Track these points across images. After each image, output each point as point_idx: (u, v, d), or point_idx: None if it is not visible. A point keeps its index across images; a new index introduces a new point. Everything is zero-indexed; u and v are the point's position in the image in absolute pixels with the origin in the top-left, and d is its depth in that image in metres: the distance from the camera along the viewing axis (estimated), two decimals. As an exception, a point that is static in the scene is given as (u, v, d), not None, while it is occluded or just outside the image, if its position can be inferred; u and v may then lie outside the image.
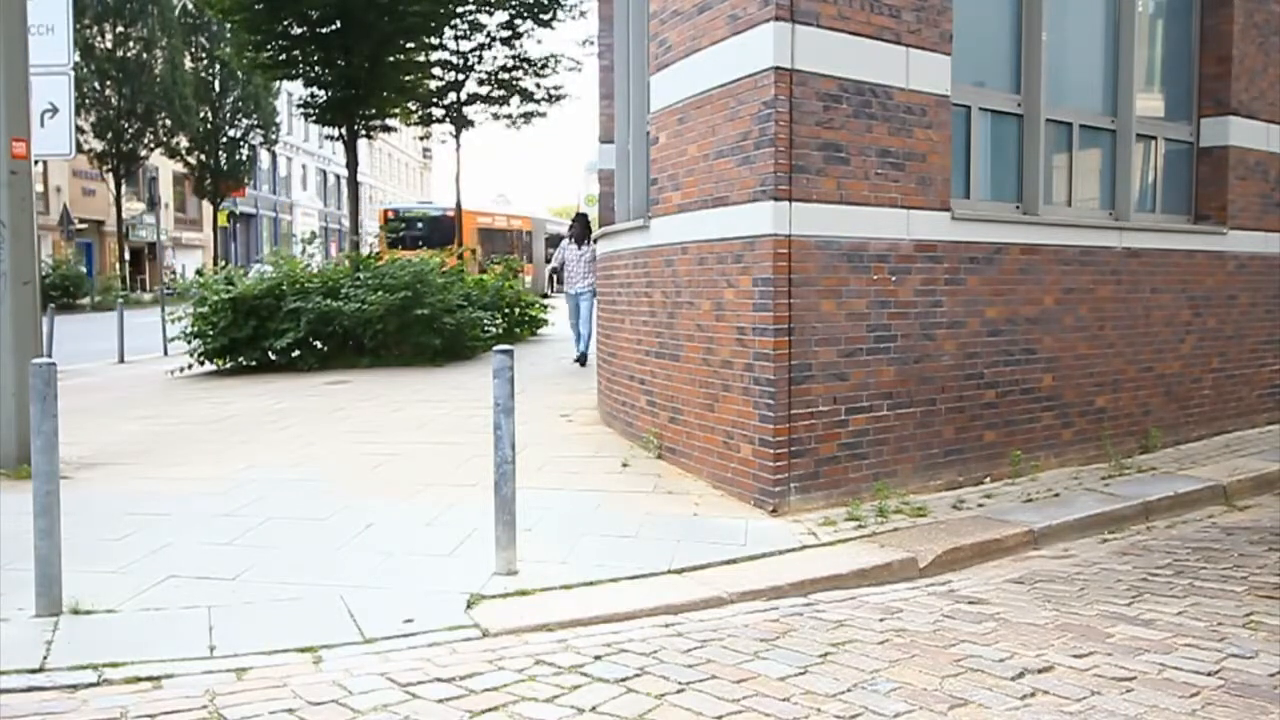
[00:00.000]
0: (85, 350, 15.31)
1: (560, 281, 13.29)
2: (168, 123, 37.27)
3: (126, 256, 39.79)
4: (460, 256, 16.93)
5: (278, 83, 33.98)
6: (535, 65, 24.62)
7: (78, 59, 29.94)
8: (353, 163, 20.79)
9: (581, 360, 12.42)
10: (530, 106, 25.43)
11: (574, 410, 8.99)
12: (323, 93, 20.72)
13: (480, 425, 7.56)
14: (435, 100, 24.53)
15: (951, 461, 6.37)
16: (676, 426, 6.65)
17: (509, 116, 25.56)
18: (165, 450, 7.45)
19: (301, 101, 22.06)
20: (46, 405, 4.04)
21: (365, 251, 15.73)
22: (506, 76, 24.68)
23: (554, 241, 43.70)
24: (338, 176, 59.13)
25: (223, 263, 26.88)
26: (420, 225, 30.43)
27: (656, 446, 6.88)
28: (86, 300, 31.37)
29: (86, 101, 33.87)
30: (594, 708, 3.21)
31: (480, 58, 24.37)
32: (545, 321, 16.39)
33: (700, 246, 6.30)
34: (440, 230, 27.33)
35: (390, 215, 33.55)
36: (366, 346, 12.66)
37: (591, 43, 20.62)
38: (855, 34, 5.76)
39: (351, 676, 3.44)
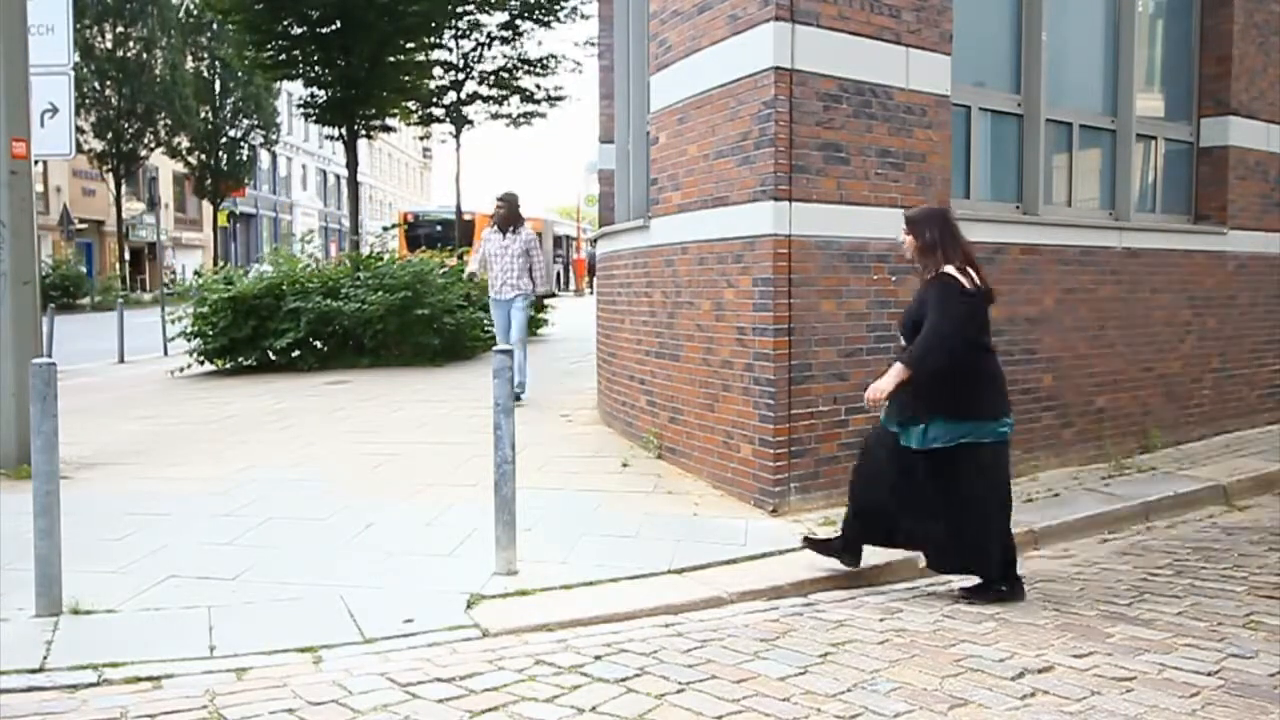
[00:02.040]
0: (85, 350, 15.31)
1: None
2: (168, 123, 37.26)
3: (126, 256, 39.76)
4: (460, 257, 16.90)
5: (278, 83, 34.02)
6: (535, 65, 24.65)
7: (78, 59, 29.93)
8: (353, 163, 20.81)
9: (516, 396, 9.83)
10: (530, 106, 25.46)
11: (574, 410, 8.99)
12: (323, 93, 20.75)
13: (480, 425, 7.56)
14: (435, 100, 24.56)
15: (951, 461, 6.35)
16: (676, 426, 6.65)
17: (509, 116, 25.59)
18: (165, 450, 7.45)
19: (301, 101, 22.09)
20: (46, 405, 4.04)
21: (365, 251, 15.70)
22: (506, 76, 24.70)
23: (561, 243, 43.99)
24: (338, 176, 59.14)
25: (222, 263, 26.92)
26: (439, 227, 31.10)
27: (656, 446, 6.88)
28: (86, 300, 31.34)
29: (86, 101, 33.83)
30: (594, 708, 3.21)
31: (480, 58, 24.40)
32: (545, 321, 16.38)
33: (700, 246, 6.30)
34: (459, 232, 27.63)
35: (410, 218, 34.33)
36: (366, 346, 12.64)
37: (592, 44, 20.62)
38: (855, 34, 5.76)
39: (351, 676, 3.44)
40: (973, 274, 4.49)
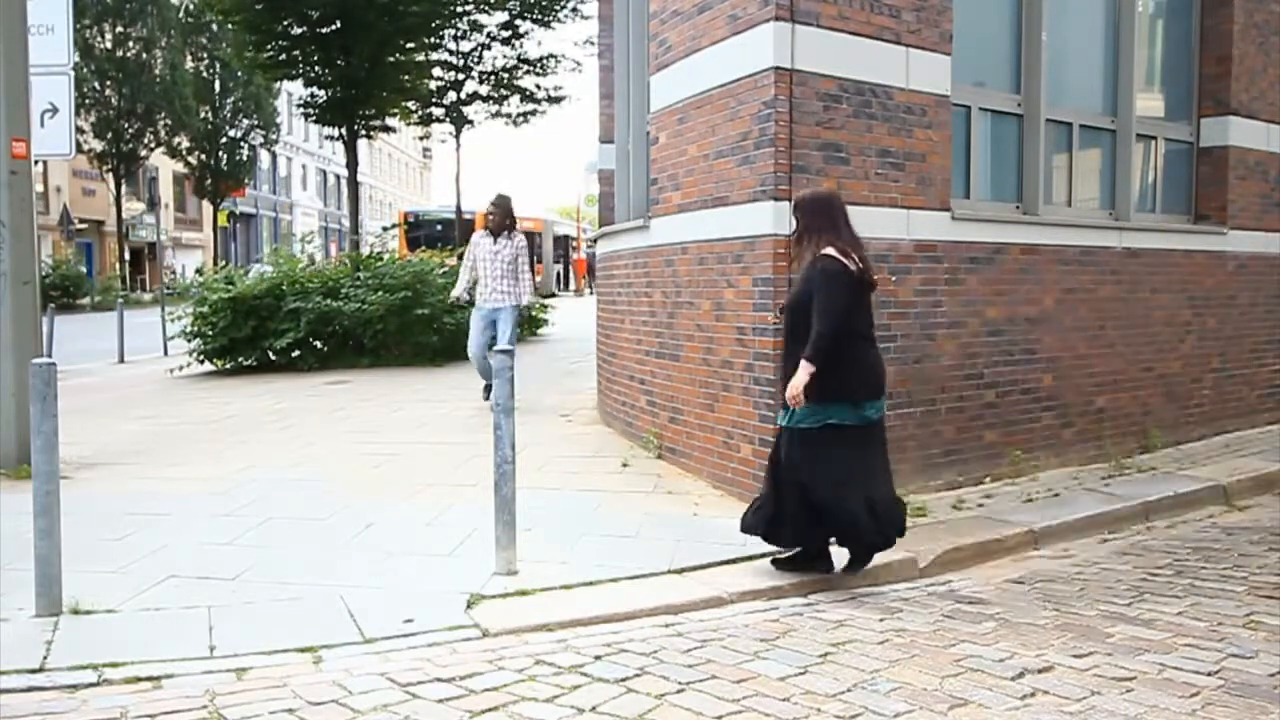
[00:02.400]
0: (85, 350, 15.30)
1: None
2: (168, 123, 37.27)
3: (126, 256, 39.77)
4: (460, 258, 16.91)
5: (278, 83, 34.03)
6: (535, 65, 24.65)
7: (78, 59, 29.92)
8: (353, 163, 20.82)
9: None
10: (530, 106, 25.47)
11: (574, 410, 8.99)
12: (323, 93, 20.76)
13: (480, 425, 7.57)
14: (435, 100, 24.56)
15: (951, 461, 6.36)
16: (676, 426, 6.65)
17: (509, 116, 25.60)
18: (165, 450, 7.45)
19: (301, 101, 22.10)
20: (46, 405, 4.04)
21: (365, 251, 15.70)
22: (506, 76, 24.71)
23: (561, 243, 43.93)
24: (338, 176, 59.15)
25: (223, 263, 26.93)
26: (439, 227, 31.15)
27: (656, 446, 6.88)
28: (86, 300, 31.34)
29: (86, 101, 33.83)
30: (594, 708, 3.21)
31: (480, 58, 24.40)
32: (545, 321, 16.39)
33: (700, 246, 6.30)
34: (459, 232, 27.66)
35: (410, 218, 34.35)
36: (366, 346, 12.65)
37: (592, 44, 20.62)
38: (855, 34, 5.76)
39: (351, 676, 3.44)
40: (855, 258, 4.52)
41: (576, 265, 43.96)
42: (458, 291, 9.19)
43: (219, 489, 6.10)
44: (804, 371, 4.39)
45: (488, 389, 8.52)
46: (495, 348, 8.07)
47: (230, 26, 22.00)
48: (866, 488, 4.50)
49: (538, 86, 25.12)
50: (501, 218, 8.86)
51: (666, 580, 4.54)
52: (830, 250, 4.49)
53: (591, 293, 29.82)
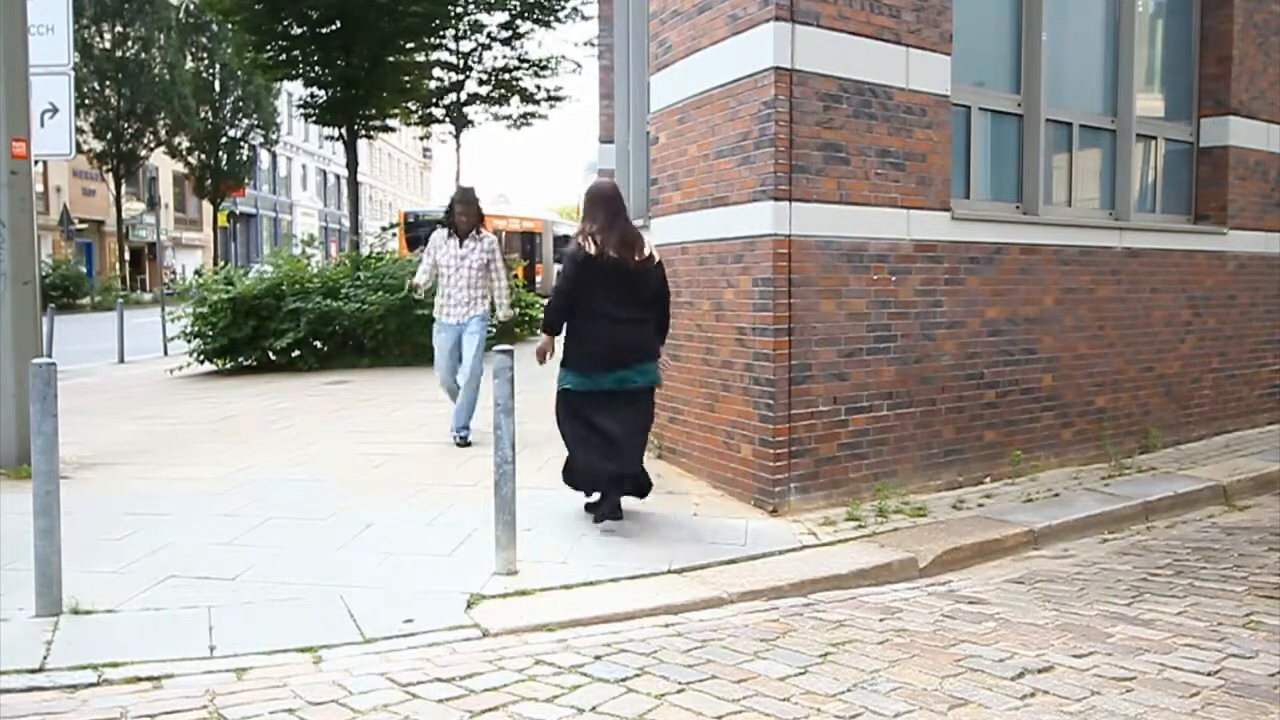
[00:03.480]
0: (85, 350, 15.31)
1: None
2: (168, 123, 37.28)
3: (126, 256, 39.79)
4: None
5: (278, 83, 34.06)
6: (535, 66, 24.68)
7: (77, 59, 29.93)
8: (353, 163, 20.85)
9: (463, 439, 7.43)
10: (530, 107, 25.50)
11: (574, 410, 8.96)
12: (323, 93, 20.80)
13: (480, 425, 7.56)
14: (435, 100, 24.59)
15: (951, 461, 6.36)
16: (676, 426, 6.65)
17: (509, 117, 25.63)
18: (165, 450, 7.45)
19: (301, 101, 22.13)
20: (46, 405, 4.04)
21: (365, 251, 15.70)
22: (507, 77, 24.75)
23: (561, 243, 43.81)
24: (338, 176, 59.18)
25: (223, 263, 26.94)
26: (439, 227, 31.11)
27: (656, 446, 6.87)
28: (86, 300, 31.37)
29: (86, 101, 33.87)
30: (594, 708, 3.21)
31: (480, 58, 24.44)
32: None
33: (700, 246, 6.30)
34: None
35: (409, 218, 34.38)
36: (366, 346, 12.65)
37: (592, 44, 20.62)
38: (855, 34, 5.76)
39: (351, 676, 3.44)
40: (598, 242, 4.97)
41: (576, 265, 43.88)
42: (420, 279, 7.86)
43: (219, 489, 6.10)
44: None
45: (463, 437, 7.47)
46: (464, 369, 7.38)
47: (230, 26, 22.02)
48: (576, 448, 5.27)
49: (538, 87, 25.15)
50: (472, 217, 7.55)
51: (666, 580, 4.54)
52: (578, 236, 5.07)
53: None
